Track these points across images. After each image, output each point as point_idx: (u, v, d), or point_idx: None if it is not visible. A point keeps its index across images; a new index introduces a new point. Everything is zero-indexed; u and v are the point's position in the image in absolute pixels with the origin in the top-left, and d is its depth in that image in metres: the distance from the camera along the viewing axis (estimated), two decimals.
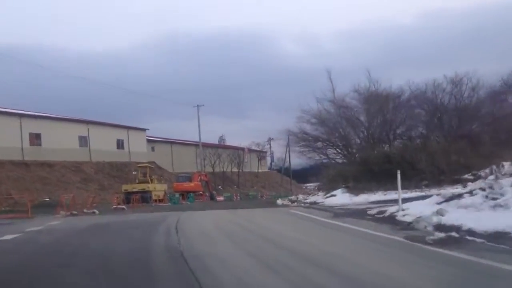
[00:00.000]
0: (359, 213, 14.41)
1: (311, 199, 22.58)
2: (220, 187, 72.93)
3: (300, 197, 30.44)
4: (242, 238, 9.60)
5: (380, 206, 15.44)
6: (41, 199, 38.32)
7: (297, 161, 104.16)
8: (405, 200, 16.42)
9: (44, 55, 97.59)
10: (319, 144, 31.18)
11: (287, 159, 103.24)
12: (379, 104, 26.90)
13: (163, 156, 68.61)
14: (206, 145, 72.94)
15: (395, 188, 20.35)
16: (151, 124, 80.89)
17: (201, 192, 53.84)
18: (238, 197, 56.03)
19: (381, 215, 13.01)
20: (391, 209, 13.20)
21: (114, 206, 28.49)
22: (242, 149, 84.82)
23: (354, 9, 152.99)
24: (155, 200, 41.68)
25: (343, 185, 21.79)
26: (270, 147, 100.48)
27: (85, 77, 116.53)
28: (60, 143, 50.95)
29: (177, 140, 77.25)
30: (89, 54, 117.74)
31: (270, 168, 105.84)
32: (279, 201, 27.91)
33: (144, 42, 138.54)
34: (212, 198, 55.17)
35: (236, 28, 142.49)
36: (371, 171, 21.26)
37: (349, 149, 30.20)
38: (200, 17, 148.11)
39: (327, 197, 20.51)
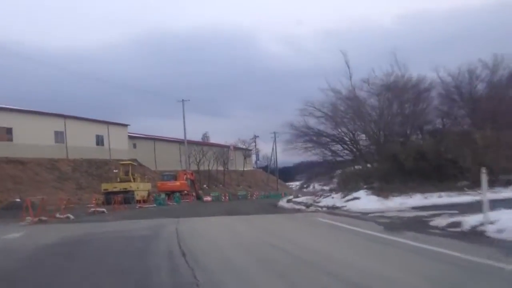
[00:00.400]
0: (417, 225, 10.91)
1: (326, 201, 19.02)
2: (205, 186, 69.08)
3: (303, 198, 26.96)
4: (307, 280, 5.85)
5: (435, 214, 12.00)
6: (11, 200, 34.05)
7: (282, 159, 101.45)
8: (462, 206, 13.01)
9: (21, 47, 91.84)
10: (324, 139, 27.63)
11: (274, 157, 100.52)
12: (401, 92, 23.51)
13: (146, 154, 64.39)
14: (191, 143, 68.98)
15: (435, 190, 17.27)
16: (132, 121, 76.83)
17: (187, 192, 49.98)
18: (227, 197, 52.26)
19: (457, 229, 9.52)
20: (467, 220, 9.71)
21: (93, 209, 24.46)
22: (228, 147, 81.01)
23: (339, 8, 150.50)
24: (139, 201, 37.74)
25: (365, 186, 18.32)
26: (255, 145, 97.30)
27: (64, 68, 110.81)
28: (34, 139, 46.44)
29: (160, 137, 73.05)
30: (68, 48, 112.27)
31: (255, 167, 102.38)
32: (284, 203, 24.45)
33: (126, 38, 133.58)
34: (199, 198, 51.33)
35: (219, 26, 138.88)
36: (401, 169, 17.91)
37: (358, 146, 26.75)
38: (183, 13, 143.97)
39: (349, 200, 16.97)
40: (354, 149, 26.75)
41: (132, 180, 40.33)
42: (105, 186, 39.45)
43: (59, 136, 50.74)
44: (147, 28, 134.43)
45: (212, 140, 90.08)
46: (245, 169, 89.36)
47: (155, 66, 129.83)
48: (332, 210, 16.35)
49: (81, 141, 52.62)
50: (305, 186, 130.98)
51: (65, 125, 51.15)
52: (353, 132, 26.87)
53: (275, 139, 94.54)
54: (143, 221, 15.72)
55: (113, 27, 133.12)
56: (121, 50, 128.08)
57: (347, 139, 27.19)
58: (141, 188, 41.22)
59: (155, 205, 33.79)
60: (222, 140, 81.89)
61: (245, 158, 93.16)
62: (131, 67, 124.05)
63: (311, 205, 19.15)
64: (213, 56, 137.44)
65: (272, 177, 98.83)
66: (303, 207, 19.10)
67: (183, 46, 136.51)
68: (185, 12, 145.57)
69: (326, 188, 31.73)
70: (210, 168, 72.29)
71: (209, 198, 50.28)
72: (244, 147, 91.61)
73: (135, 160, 53.86)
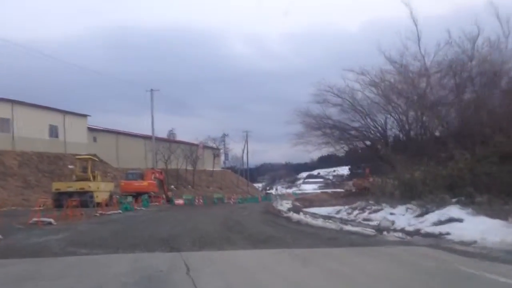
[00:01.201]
0: None
1: (384, 220, 12.48)
2: (173, 186, 61.58)
3: (317, 210, 20.60)
4: None
5: None
6: None
7: (250, 160, 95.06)
8: None
9: None
10: (349, 132, 21.40)
11: (244, 157, 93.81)
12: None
13: (107, 149, 56.16)
14: (158, 139, 61.39)
15: None
16: (94, 115, 68.36)
17: (154, 194, 42.57)
18: (201, 201, 45.09)
19: None
20: None
21: (35, 219, 17.01)
22: (196, 145, 73.43)
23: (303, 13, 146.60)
24: (99, 204, 30.11)
25: (454, 199, 11.93)
26: (224, 144, 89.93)
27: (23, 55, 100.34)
28: None
29: (124, 131, 64.94)
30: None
31: (223, 167, 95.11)
32: (292, 215, 18.21)
33: (91, 31, 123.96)
34: (169, 201, 44.04)
35: (186, 24, 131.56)
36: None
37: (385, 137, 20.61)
38: (151, 10, 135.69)
39: (442, 223, 10.48)
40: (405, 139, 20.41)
41: (91, 178, 32.70)
42: (57, 186, 31.61)
43: (5, 124, 42.22)
44: (112, 22, 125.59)
45: (179, 138, 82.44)
46: (214, 169, 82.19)
47: (120, 61, 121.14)
48: (430, 240, 9.83)
49: (31, 131, 44.24)
50: (267, 188, 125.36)
51: (12, 111, 42.64)
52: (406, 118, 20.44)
53: (246, 138, 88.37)
54: (114, 256, 8.69)
55: (78, 19, 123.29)
56: (85, 43, 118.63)
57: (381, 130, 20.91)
58: (102, 189, 33.64)
59: (120, 211, 26.48)
60: (189, 139, 74.06)
61: (214, 157, 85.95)
62: (95, 61, 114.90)
63: (350, 222, 12.71)
64: (180, 55, 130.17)
65: (241, 178, 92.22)
66: (344, 226, 12.73)
67: (149, 43, 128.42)
68: (152, 9, 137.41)
69: (318, 190, 25.62)
70: (179, 167, 64.88)
71: (181, 202, 43.11)
72: (213, 146, 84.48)
73: (94, 155, 45.91)
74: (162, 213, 26.95)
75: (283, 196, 63.57)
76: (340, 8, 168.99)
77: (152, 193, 41.82)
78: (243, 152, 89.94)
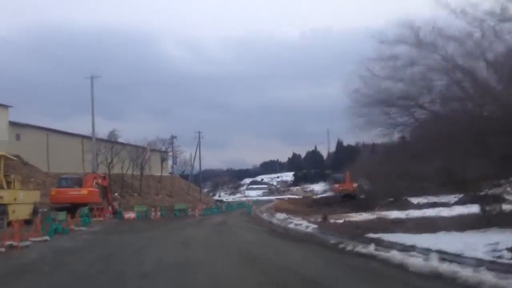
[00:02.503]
0: None
1: None
2: (117, 194, 50.37)
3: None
4: None
5: None
6: None
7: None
8: None
9: None
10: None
11: (194, 161, 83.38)
12: None
13: (35, 149, 43.93)
14: (99, 140, 50.03)
15: None
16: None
17: (97, 205, 31.69)
18: (158, 213, 34.50)
19: None
20: None
21: None
22: (142, 147, 61.94)
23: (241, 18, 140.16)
24: (14, 223, 19.09)
25: None
26: (173, 147, 78.65)
27: None
28: None
29: (57, 129, 52.71)
30: None
31: (172, 172, 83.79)
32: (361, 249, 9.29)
33: (17, 30, 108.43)
34: (116, 214, 33.39)
35: (117, 26, 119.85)
36: None
37: None
38: (81, 10, 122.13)
39: None
40: None
41: (4, 185, 21.73)
42: None
43: None
44: (40, 21, 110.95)
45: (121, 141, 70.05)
46: (162, 174, 71.16)
47: (46, 61, 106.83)
48: None
49: None
50: (211, 194, 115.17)
51: None
52: None
53: (199, 139, 77.88)
54: None
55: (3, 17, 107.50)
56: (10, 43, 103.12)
57: None
58: (21, 200, 22.69)
59: (47, 237, 16.05)
60: (133, 141, 61.95)
61: (162, 161, 74.88)
62: (19, 61, 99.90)
63: None
64: (111, 56, 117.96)
65: (192, 185, 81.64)
66: None
67: (79, 43, 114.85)
68: (83, 9, 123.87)
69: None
70: (124, 172, 53.57)
71: (132, 215, 32.62)
72: (162, 149, 73.46)
73: (17, 156, 34.25)
74: (113, 237, 16.89)
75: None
76: (280, 16, 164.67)
77: (94, 204, 31.04)
78: (193, 156, 79.51)
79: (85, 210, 26.72)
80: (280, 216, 26.19)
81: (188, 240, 15.17)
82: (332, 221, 26.99)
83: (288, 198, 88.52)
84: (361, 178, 48.17)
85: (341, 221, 25.37)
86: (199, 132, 77.20)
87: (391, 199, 47.41)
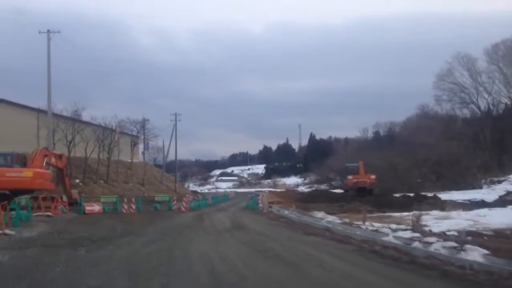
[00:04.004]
0: None
1: None
2: (78, 181, 40.54)
3: None
4: None
5: None
6: None
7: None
8: None
9: None
10: None
11: (171, 146, 73.44)
12: None
13: None
14: (59, 116, 39.97)
15: None
16: None
17: (47, 193, 22.16)
18: (134, 207, 24.97)
19: None
20: None
21: None
22: (111, 128, 51.62)
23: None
24: None
25: None
26: (144, 131, 68.15)
27: None
28: None
29: (6, 99, 42.05)
30: None
31: (143, 159, 73.40)
32: None
33: None
34: (73, 204, 23.93)
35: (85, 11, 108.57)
36: None
37: None
38: None
39: None
40: None
41: None
42: None
43: None
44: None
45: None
46: (133, 160, 61.16)
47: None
48: None
49: None
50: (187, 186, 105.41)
51: None
52: None
53: (176, 122, 67.98)
54: None
55: None
56: None
57: None
58: None
59: None
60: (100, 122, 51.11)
61: (133, 146, 64.46)
62: None
63: None
64: (79, 43, 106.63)
65: (166, 174, 71.87)
66: None
67: (42, 26, 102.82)
68: None
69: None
70: (88, 155, 43.44)
71: (96, 208, 23.22)
72: (133, 132, 62.98)
73: None
74: (48, 259, 7.90)
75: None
76: (244, 9, 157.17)
77: (43, 191, 21.55)
78: (166, 144, 69.78)
79: (24, 200, 17.37)
80: (318, 214, 17.73)
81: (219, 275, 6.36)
82: (377, 223, 18.79)
83: (269, 191, 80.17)
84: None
85: (401, 226, 17.29)
86: (175, 114, 67.51)
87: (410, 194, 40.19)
